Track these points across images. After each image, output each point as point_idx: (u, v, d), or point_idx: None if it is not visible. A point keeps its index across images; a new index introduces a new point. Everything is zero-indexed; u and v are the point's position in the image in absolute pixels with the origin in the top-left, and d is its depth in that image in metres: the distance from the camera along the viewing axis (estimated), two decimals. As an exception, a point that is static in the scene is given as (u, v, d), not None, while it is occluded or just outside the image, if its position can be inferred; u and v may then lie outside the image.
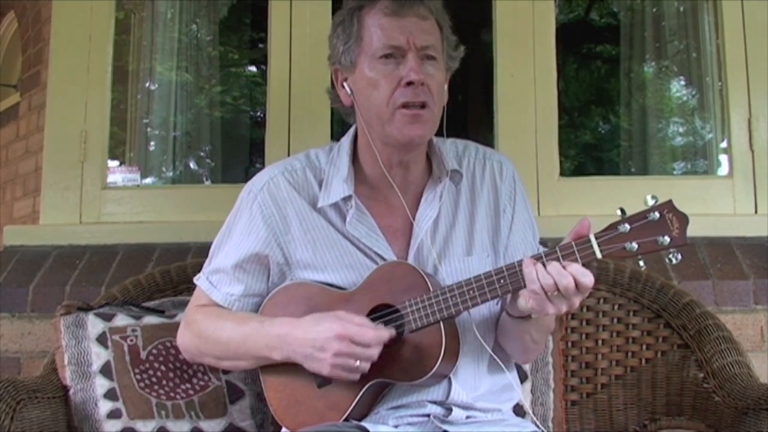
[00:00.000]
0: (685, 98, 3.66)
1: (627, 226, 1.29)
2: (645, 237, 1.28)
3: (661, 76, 3.42)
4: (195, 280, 1.63)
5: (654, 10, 3.20)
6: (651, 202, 1.30)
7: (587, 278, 1.28)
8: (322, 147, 1.62)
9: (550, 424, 1.83)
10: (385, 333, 1.38)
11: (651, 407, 1.88)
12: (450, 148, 1.59)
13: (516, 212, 1.59)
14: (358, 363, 1.36)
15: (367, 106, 1.47)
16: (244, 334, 1.49)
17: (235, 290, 1.56)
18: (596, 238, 1.30)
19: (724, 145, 2.65)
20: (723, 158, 2.73)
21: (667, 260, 1.29)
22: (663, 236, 1.28)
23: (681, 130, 3.68)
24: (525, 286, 1.35)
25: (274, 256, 1.54)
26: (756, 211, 2.40)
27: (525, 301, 1.35)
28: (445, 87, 1.51)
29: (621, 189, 2.48)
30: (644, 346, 1.91)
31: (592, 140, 6.22)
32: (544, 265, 1.30)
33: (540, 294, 1.29)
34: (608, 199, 2.43)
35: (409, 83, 1.41)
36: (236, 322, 1.52)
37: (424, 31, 1.44)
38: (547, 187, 2.43)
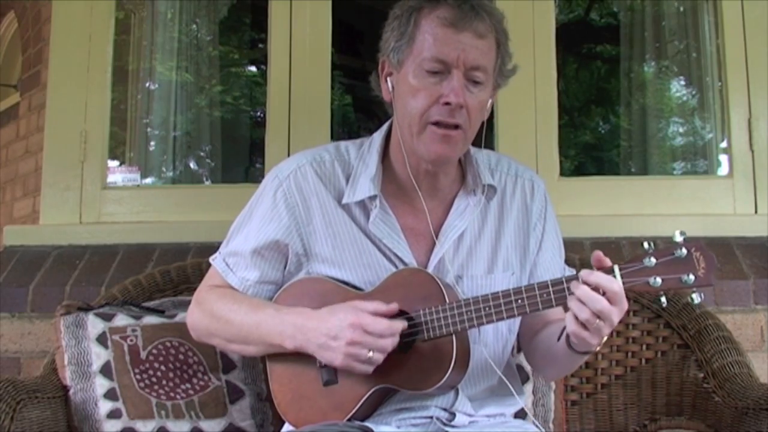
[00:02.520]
0: (685, 98, 3.66)
1: (653, 261, 1.25)
2: (670, 274, 1.25)
3: (661, 76, 3.42)
4: (211, 259, 1.60)
5: (654, 10, 3.19)
6: (679, 239, 1.25)
7: (615, 284, 1.24)
8: (353, 141, 1.59)
9: (551, 425, 1.83)
10: (398, 324, 1.37)
11: (651, 407, 1.88)
12: (484, 159, 1.56)
13: (546, 231, 1.58)
14: (371, 354, 1.34)
15: (403, 112, 1.44)
16: (257, 320, 1.47)
17: (251, 275, 1.54)
18: (620, 269, 1.27)
19: (724, 145, 2.65)
20: (723, 158, 2.73)
21: (689, 298, 1.26)
22: (688, 275, 1.24)
23: (681, 130, 3.68)
24: (542, 309, 1.34)
25: (293, 245, 1.51)
26: (756, 211, 2.40)
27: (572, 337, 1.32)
28: (490, 102, 1.48)
29: (621, 189, 2.48)
30: (644, 346, 1.91)
31: (592, 140, 6.21)
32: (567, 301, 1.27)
33: (578, 329, 1.27)
34: (608, 199, 2.44)
35: (447, 103, 1.38)
36: (251, 306, 1.50)
37: (477, 49, 1.39)
38: (547, 187, 2.41)
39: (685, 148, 3.45)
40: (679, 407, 1.84)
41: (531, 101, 2.48)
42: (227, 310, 1.51)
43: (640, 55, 3.24)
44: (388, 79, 1.48)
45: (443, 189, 1.52)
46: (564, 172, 2.51)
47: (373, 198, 1.48)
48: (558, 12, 2.80)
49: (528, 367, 1.80)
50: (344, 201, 1.50)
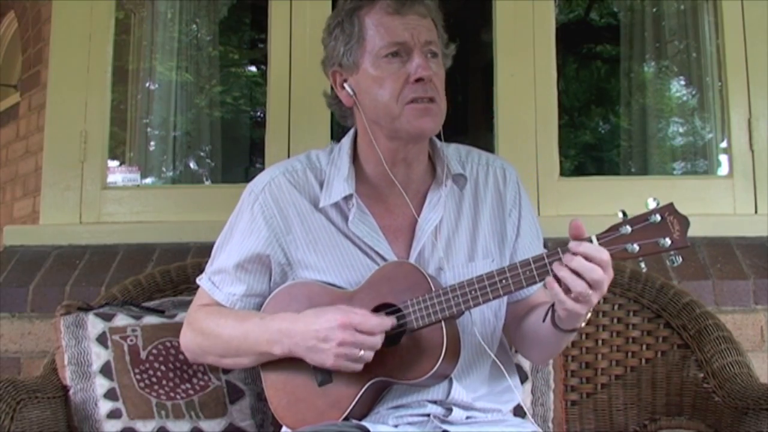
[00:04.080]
0: (685, 98, 3.66)
1: (628, 228, 1.29)
2: (646, 239, 1.28)
3: (661, 76, 3.42)
4: (197, 280, 1.63)
5: (654, 10, 3.20)
6: (652, 205, 1.30)
7: (605, 254, 1.27)
8: (323, 148, 1.62)
9: (550, 425, 1.83)
10: (388, 321, 1.38)
11: (651, 407, 1.88)
12: (453, 153, 1.59)
13: (522, 216, 1.59)
14: (362, 352, 1.36)
15: (374, 105, 1.47)
16: (245, 331, 1.49)
17: (237, 290, 1.56)
18: (598, 239, 1.30)
19: (724, 145, 2.65)
20: (723, 158, 2.73)
21: (668, 262, 1.30)
22: (664, 238, 1.28)
23: (681, 130, 3.68)
24: (526, 286, 1.35)
25: (275, 256, 1.54)
26: (756, 211, 2.40)
27: (560, 313, 1.34)
28: None
29: (621, 189, 2.48)
30: (644, 346, 1.91)
31: (592, 140, 6.22)
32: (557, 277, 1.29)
33: (569, 302, 1.28)
34: (608, 199, 2.44)
35: (418, 80, 1.42)
36: (237, 319, 1.52)
37: (425, 27, 1.46)
38: (547, 187, 2.43)
39: (685, 148, 3.45)
40: (679, 407, 1.84)
41: (531, 101, 2.47)
42: (215, 326, 1.53)
43: (640, 55, 3.24)
44: (345, 85, 1.51)
45: (417, 181, 1.54)
46: (564, 172, 2.50)
47: (348, 198, 1.50)
48: (558, 12, 2.80)
49: (527, 367, 1.80)
50: (321, 205, 1.52)
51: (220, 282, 1.58)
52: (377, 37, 1.45)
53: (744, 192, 2.41)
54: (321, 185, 1.54)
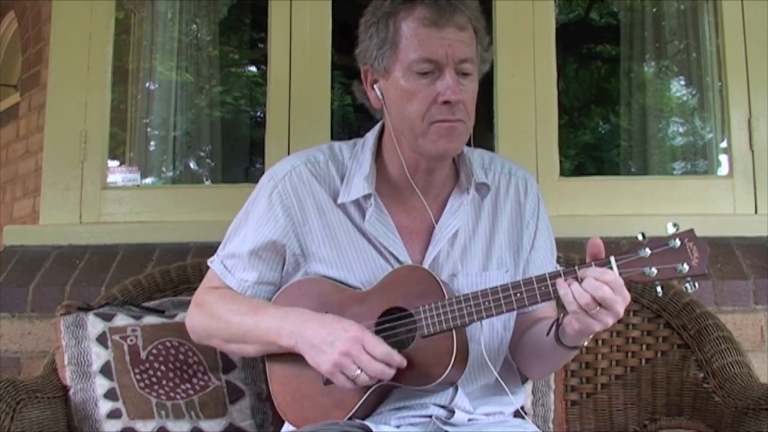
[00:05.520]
0: (685, 98, 3.67)
1: (647, 251, 1.28)
2: (664, 264, 1.28)
3: (661, 76, 3.43)
4: (209, 262, 1.61)
5: (654, 10, 3.20)
6: (672, 230, 1.28)
7: (619, 279, 1.26)
8: (346, 141, 1.60)
9: (551, 425, 1.83)
10: (397, 357, 1.37)
11: (651, 407, 1.88)
12: (477, 159, 1.58)
13: (538, 229, 1.59)
14: (358, 372, 1.34)
15: (400, 116, 1.44)
16: (257, 318, 1.47)
17: (249, 277, 1.54)
18: (616, 260, 1.29)
19: (724, 145, 2.65)
20: (723, 158, 2.74)
21: (683, 288, 1.29)
22: (682, 264, 1.27)
23: (681, 130, 3.69)
24: (540, 302, 1.35)
25: (290, 246, 1.52)
26: (756, 211, 2.40)
27: (570, 328, 1.33)
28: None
29: (621, 189, 2.48)
30: (644, 346, 1.91)
31: (592, 140, 6.23)
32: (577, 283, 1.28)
33: (581, 313, 1.28)
34: (608, 199, 2.44)
35: (446, 102, 1.39)
36: (250, 306, 1.51)
37: (462, 42, 1.40)
38: (547, 187, 2.42)
39: (685, 148, 3.45)
40: (679, 407, 1.84)
41: (531, 101, 2.47)
42: (226, 311, 1.52)
43: (640, 55, 3.24)
44: (375, 86, 1.49)
45: (437, 186, 1.53)
46: (564, 172, 2.50)
47: (367, 197, 1.49)
48: (558, 12, 2.80)
49: (528, 368, 1.80)
50: (340, 200, 1.51)
51: (232, 266, 1.56)
52: (410, 48, 1.40)
53: (744, 192, 2.41)
54: (342, 179, 1.52)
